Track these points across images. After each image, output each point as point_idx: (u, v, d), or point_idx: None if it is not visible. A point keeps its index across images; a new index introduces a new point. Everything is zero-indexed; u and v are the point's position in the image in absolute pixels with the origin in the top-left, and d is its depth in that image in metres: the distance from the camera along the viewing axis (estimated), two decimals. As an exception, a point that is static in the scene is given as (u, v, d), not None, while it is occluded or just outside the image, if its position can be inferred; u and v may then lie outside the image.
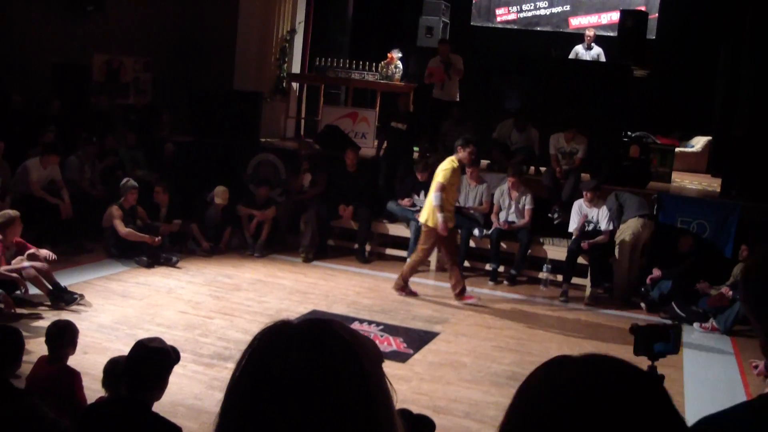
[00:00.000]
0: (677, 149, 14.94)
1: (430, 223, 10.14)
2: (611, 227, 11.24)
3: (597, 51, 15.85)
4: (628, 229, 11.06)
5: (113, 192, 11.45)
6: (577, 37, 16.62)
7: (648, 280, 10.90)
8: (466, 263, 11.91)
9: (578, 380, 1.31)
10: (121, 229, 10.85)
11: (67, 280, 9.50)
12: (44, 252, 9.09)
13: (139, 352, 4.39)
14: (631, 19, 14.95)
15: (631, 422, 1.27)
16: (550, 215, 12.03)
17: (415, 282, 11.45)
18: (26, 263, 8.74)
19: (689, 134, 16.85)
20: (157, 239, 10.95)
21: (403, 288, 10.59)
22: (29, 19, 12.45)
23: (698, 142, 16.71)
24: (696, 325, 10.20)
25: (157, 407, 4.31)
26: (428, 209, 10.19)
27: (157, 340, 4.64)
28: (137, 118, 13.91)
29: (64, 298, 8.82)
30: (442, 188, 9.99)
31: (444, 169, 10.10)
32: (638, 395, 1.30)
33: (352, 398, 1.33)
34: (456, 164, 10.14)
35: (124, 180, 11.30)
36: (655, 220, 11.55)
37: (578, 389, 1.30)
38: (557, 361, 1.38)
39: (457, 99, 14.00)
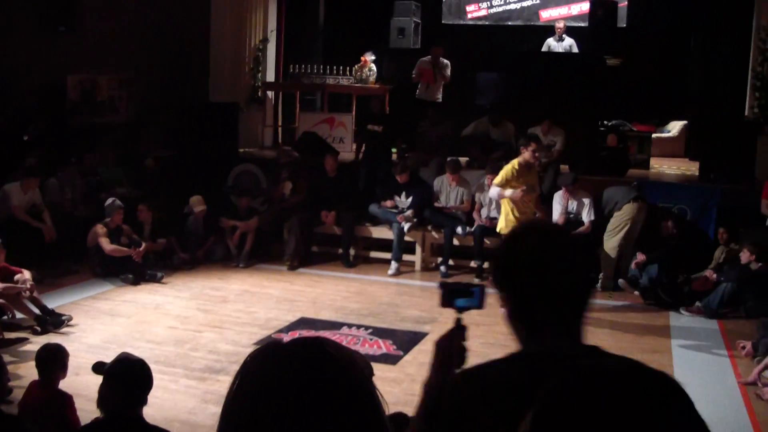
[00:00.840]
0: (654, 135, 15.04)
1: (506, 230, 9.05)
2: (592, 218, 11.31)
3: (569, 42, 15.92)
4: (624, 215, 11.03)
5: (96, 212, 11.41)
6: (549, 29, 16.67)
7: (633, 265, 10.98)
8: (451, 261, 11.96)
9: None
10: (107, 245, 10.83)
11: (54, 302, 9.50)
12: (27, 274, 9.05)
13: (121, 368, 4.41)
14: (601, 9, 15.08)
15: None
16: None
17: (401, 283, 11.52)
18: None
19: (665, 120, 16.95)
20: (140, 249, 10.92)
21: None
22: (1, 43, 12.40)
23: (674, 127, 16.81)
24: (683, 309, 10.28)
25: (151, 423, 4.33)
26: (502, 216, 9.95)
27: (125, 354, 4.69)
28: (116, 136, 13.89)
29: (51, 321, 8.80)
30: (501, 185, 9.73)
31: (503, 169, 9.92)
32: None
33: (346, 413, 1.37)
34: (516, 165, 9.70)
35: (110, 200, 11.22)
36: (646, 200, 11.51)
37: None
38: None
39: (440, 100, 14.07)
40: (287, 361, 1.39)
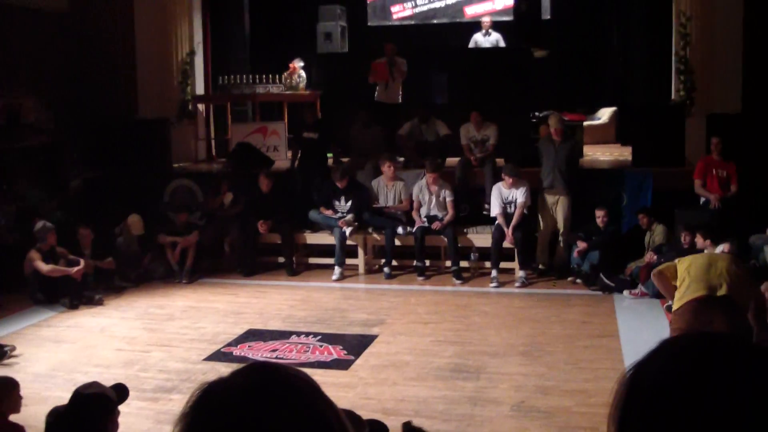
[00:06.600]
0: (585, 123, 15.22)
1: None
2: (526, 200, 11.42)
3: (496, 37, 16.05)
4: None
5: (30, 238, 11.16)
6: (475, 25, 16.78)
7: (576, 254, 11.13)
8: (394, 262, 11.99)
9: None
10: (43, 267, 10.57)
11: (-5, 333, 9.30)
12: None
13: (75, 403, 4.33)
14: (525, 3, 15.19)
15: None
16: (485, 212, 12.11)
17: (346, 287, 11.52)
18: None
19: (594, 107, 17.18)
20: (79, 267, 10.72)
21: None
22: None
23: (604, 114, 17.05)
24: (626, 292, 10.45)
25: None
26: None
27: (93, 385, 4.55)
28: (43, 159, 13.62)
29: (-6, 353, 8.61)
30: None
31: None
32: None
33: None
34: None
35: (39, 224, 10.97)
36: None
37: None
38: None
39: (399, 101, 14.01)
40: (242, 399, 1.25)
